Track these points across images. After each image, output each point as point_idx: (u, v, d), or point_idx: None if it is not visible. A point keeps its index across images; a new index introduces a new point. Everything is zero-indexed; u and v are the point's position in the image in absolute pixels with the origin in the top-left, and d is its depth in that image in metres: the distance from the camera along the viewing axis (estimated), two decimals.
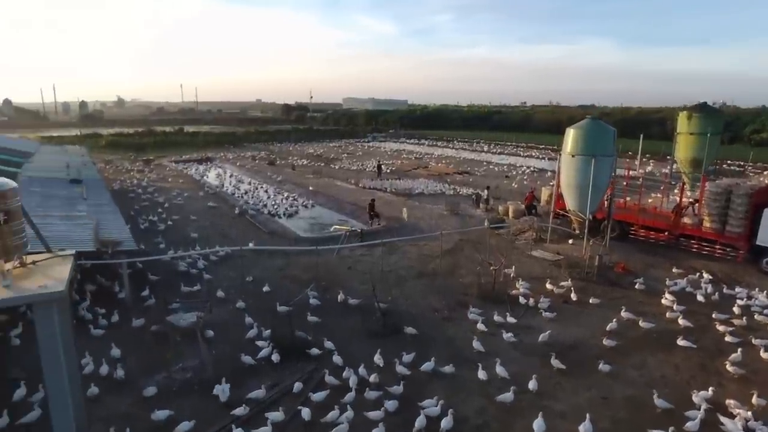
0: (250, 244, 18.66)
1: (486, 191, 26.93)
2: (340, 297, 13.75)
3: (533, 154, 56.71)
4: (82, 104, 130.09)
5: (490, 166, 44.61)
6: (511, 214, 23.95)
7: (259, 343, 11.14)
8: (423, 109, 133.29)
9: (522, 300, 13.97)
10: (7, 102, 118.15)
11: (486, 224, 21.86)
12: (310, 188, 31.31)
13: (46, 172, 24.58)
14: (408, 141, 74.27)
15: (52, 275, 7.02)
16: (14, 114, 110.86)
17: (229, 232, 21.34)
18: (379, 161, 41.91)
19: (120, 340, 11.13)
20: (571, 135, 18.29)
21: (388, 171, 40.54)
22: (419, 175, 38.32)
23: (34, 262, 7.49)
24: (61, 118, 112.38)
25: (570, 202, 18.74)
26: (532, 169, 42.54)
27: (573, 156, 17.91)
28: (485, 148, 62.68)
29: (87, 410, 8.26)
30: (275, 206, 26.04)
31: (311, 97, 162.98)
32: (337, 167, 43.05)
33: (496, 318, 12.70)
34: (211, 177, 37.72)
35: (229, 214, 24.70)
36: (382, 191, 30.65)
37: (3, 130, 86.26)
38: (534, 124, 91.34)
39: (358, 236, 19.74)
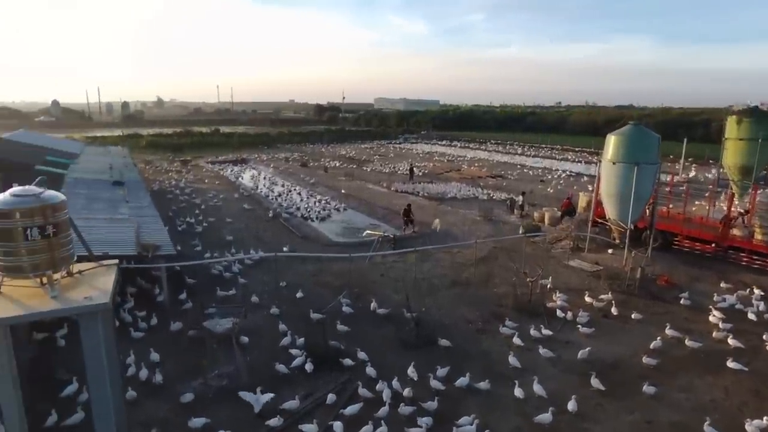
0: (285, 249, 18.87)
1: (521, 197, 26.37)
2: (373, 305, 13.68)
3: (569, 157, 55.38)
4: (124, 105, 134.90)
5: (524, 170, 43.76)
6: (546, 221, 23.38)
7: (293, 351, 11.19)
8: (455, 110, 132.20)
9: (559, 313, 13.56)
10: (55, 103, 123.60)
11: (521, 231, 21.45)
12: (343, 191, 31.43)
13: (91, 174, 25.49)
14: (440, 142, 73.83)
15: (97, 286, 7.17)
16: (62, 114, 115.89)
17: (263, 235, 21.61)
18: (411, 164, 41.72)
19: (158, 344, 11.37)
20: (612, 141, 17.65)
21: (420, 174, 40.31)
22: (451, 179, 37.94)
23: (80, 272, 7.68)
24: (105, 119, 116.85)
25: (610, 211, 18.11)
26: (567, 173, 41.55)
27: (614, 163, 17.28)
28: (519, 151, 61.64)
29: (127, 414, 8.45)
30: (308, 209, 26.23)
31: (343, 98, 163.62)
32: (368, 169, 43.11)
33: (533, 332, 12.36)
34: (246, 178, 38.39)
35: (263, 216, 25.04)
36: (414, 195, 30.48)
37: (51, 130, 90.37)
38: (569, 126, 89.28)
39: (390, 242, 19.64)
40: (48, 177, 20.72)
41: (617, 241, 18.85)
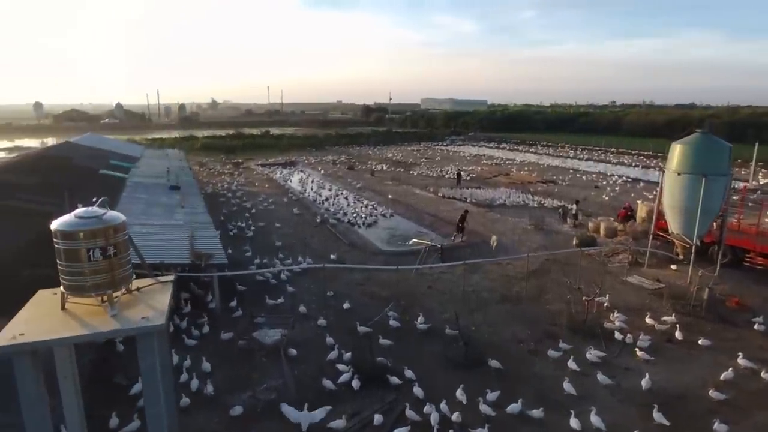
0: (332, 257, 18.96)
1: (574, 206, 25.32)
2: (420, 320, 13.44)
3: (624, 160, 52.93)
4: (181, 107, 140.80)
5: (577, 175, 42.19)
6: (602, 231, 22.32)
7: (340, 366, 11.13)
8: (504, 110, 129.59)
9: (618, 335, 12.81)
10: (119, 106, 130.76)
11: (574, 243, 20.59)
12: (389, 196, 31.33)
13: (150, 178, 26.64)
14: (487, 145, 72.57)
15: (153, 304, 7.30)
16: (124, 117, 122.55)
17: (311, 241, 21.82)
18: (458, 169, 41.09)
19: (210, 353, 11.62)
20: (677, 151, 16.57)
21: (468, 178, 39.64)
22: (500, 184, 37.07)
23: (138, 289, 7.86)
24: (163, 120, 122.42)
25: (674, 225, 17.03)
26: (623, 178, 39.66)
27: (679, 174, 16.23)
28: (571, 154, 59.54)
29: (180, 426, 8.62)
30: (355, 215, 26.29)
31: (390, 99, 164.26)
32: (415, 173, 42.84)
33: (589, 356, 11.73)
34: (294, 182, 39.05)
35: (311, 222, 25.30)
36: (461, 201, 29.95)
37: (114, 131, 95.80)
38: (625, 127, 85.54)
39: (437, 252, 19.32)
40: (111, 180, 21.68)
41: (681, 256, 17.72)
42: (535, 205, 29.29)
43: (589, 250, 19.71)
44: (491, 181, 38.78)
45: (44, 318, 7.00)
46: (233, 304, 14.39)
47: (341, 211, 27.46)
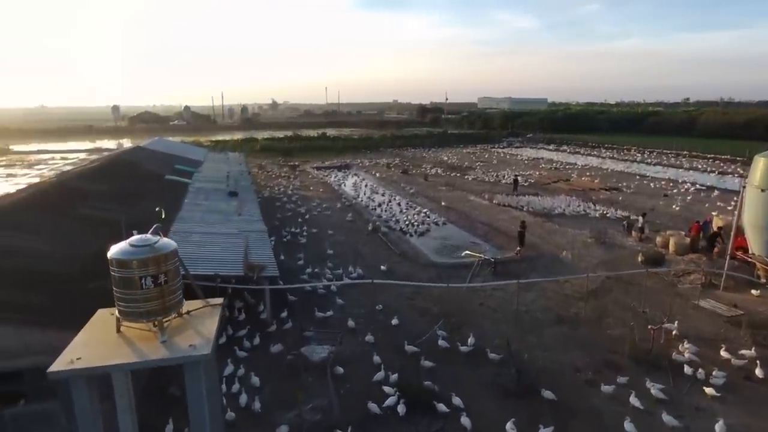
0: (382, 267, 18.87)
1: (641, 218, 23.73)
2: (470, 340, 13.01)
3: (698, 165, 49.23)
4: (243, 109, 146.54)
5: (644, 181, 39.72)
6: (672, 247, 20.73)
7: (386, 389, 10.94)
8: (565, 110, 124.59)
9: (687, 369, 11.78)
10: (186, 108, 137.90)
11: (640, 260, 19.32)
12: (443, 203, 30.84)
13: (210, 183, 27.71)
14: (547, 147, 70.02)
15: (202, 330, 7.38)
16: (191, 118, 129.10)
17: (362, 249, 21.81)
18: (515, 175, 39.82)
19: (259, 367, 11.81)
20: (761, 165, 15.15)
21: (525, 184, 38.34)
22: (559, 191, 35.54)
23: (188, 312, 8.01)
24: (226, 122, 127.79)
25: (755, 245, 15.58)
26: (697, 186, 36.85)
27: (763, 191, 14.79)
28: (638, 157, 56.18)
29: None
30: (407, 223, 26.06)
31: (446, 98, 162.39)
32: (470, 178, 41.99)
33: (654, 391, 10.85)
34: (348, 186, 39.36)
35: (363, 229, 25.33)
36: (517, 209, 28.95)
37: (182, 133, 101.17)
38: (699, 127, 79.79)
39: (491, 266, 18.71)
40: (175, 186, 22.62)
41: (763, 280, 16.15)
42: (597, 215, 27.77)
43: (655, 268, 18.41)
44: (550, 187, 37.28)
45: (100, 341, 7.23)
46: (284, 315, 14.60)
47: (393, 219, 27.32)
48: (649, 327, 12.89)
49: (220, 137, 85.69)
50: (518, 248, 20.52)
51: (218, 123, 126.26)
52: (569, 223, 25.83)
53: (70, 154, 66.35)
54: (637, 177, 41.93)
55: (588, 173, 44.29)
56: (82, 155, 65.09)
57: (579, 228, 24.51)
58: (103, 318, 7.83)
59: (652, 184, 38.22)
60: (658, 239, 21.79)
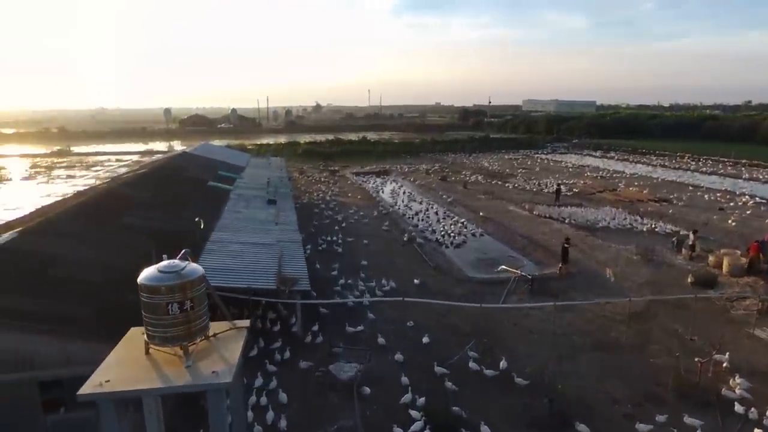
0: (415, 281, 18.69)
1: (692, 235, 22.40)
2: (502, 364, 12.61)
3: (759, 176, 46.11)
4: (287, 112, 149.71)
5: (698, 192, 37.56)
6: (725, 268, 19.43)
7: (413, 413, 10.74)
8: (614, 114, 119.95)
9: (738, 407, 10.95)
10: (233, 111, 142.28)
11: (689, 281, 18.25)
12: (481, 213, 30.24)
13: (251, 190, 28.33)
14: (593, 153, 67.58)
15: (226, 355, 7.44)
16: (238, 121, 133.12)
17: (396, 261, 21.68)
18: (558, 183, 38.62)
19: (287, 383, 11.89)
20: None
21: (568, 193, 37.09)
22: (604, 201, 34.15)
23: (215, 335, 8.11)
24: (271, 125, 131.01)
25: None
26: (756, 199, 34.47)
27: None
28: (692, 166, 53.28)
29: None
30: (443, 233, 25.73)
31: (489, 101, 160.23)
32: (510, 186, 41.05)
33: (701, 431, 10.15)
34: (386, 193, 39.33)
35: (398, 239, 25.18)
36: (559, 222, 28.02)
37: (229, 136, 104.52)
38: (762, 133, 74.76)
39: (527, 283, 18.15)
40: (217, 192, 23.22)
41: None
42: (644, 230, 26.44)
43: (706, 290, 17.33)
44: (594, 197, 35.88)
45: (130, 362, 7.40)
46: (315, 328, 14.66)
47: (430, 228, 27.04)
48: (697, 360, 12.08)
49: (264, 140, 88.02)
50: (560, 265, 19.77)
51: (263, 126, 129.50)
52: (613, 238, 24.73)
53: (124, 156, 69.87)
54: (690, 188, 39.73)
55: (636, 183, 42.36)
56: (135, 157, 68.36)
57: (624, 243, 23.43)
58: (134, 337, 8.01)
59: (706, 196, 36.09)
60: (711, 258, 20.49)
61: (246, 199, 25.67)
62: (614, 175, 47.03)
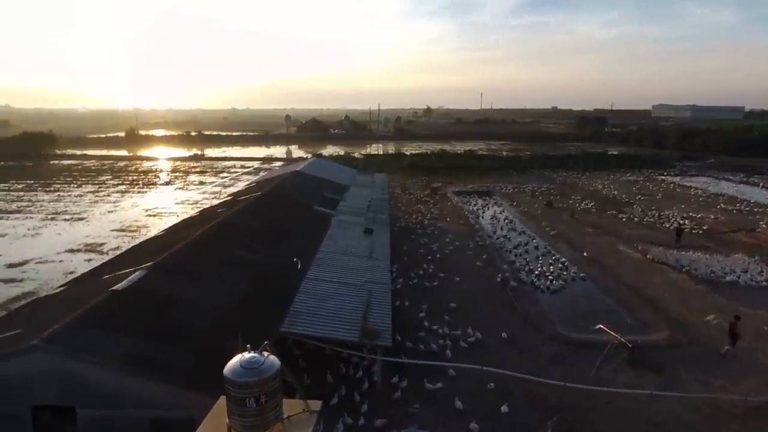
0: (503, 335, 18.21)
1: None
2: None
3: None
4: (397, 119, 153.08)
5: None
6: None
7: None
8: (764, 127, 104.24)
9: None
10: (347, 117, 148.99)
11: None
12: (585, 253, 28.32)
13: (351, 215, 29.55)
14: (732, 178, 59.09)
15: None
16: (350, 127, 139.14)
17: (484, 306, 21.20)
18: (680, 224, 34.50)
19: None
20: None
21: (694, 231, 33.16)
22: (737, 245, 29.92)
23: (288, 418, 8.74)
24: (381, 131, 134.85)
25: None
26: None
27: None
28: None
29: None
30: (539, 275, 24.59)
31: (611, 106, 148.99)
32: (624, 218, 37.71)
33: None
34: (486, 218, 38.44)
35: (492, 278, 24.55)
36: (676, 271, 25.22)
37: (341, 142, 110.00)
38: None
39: (627, 351, 16.69)
40: (320, 217, 24.54)
41: None
42: None
43: None
44: (725, 238, 31.67)
45: None
46: (395, 380, 14.99)
47: (527, 267, 26.00)
48: None
49: (373, 147, 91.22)
50: (727, 347, 16.99)
51: (373, 132, 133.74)
52: (743, 297, 21.68)
53: (247, 162, 77.14)
54: None
55: None
56: (256, 164, 75.10)
57: (756, 306, 20.47)
58: (220, 412, 8.85)
59: None
60: None
61: (345, 227, 26.86)
62: (756, 210, 40.85)
